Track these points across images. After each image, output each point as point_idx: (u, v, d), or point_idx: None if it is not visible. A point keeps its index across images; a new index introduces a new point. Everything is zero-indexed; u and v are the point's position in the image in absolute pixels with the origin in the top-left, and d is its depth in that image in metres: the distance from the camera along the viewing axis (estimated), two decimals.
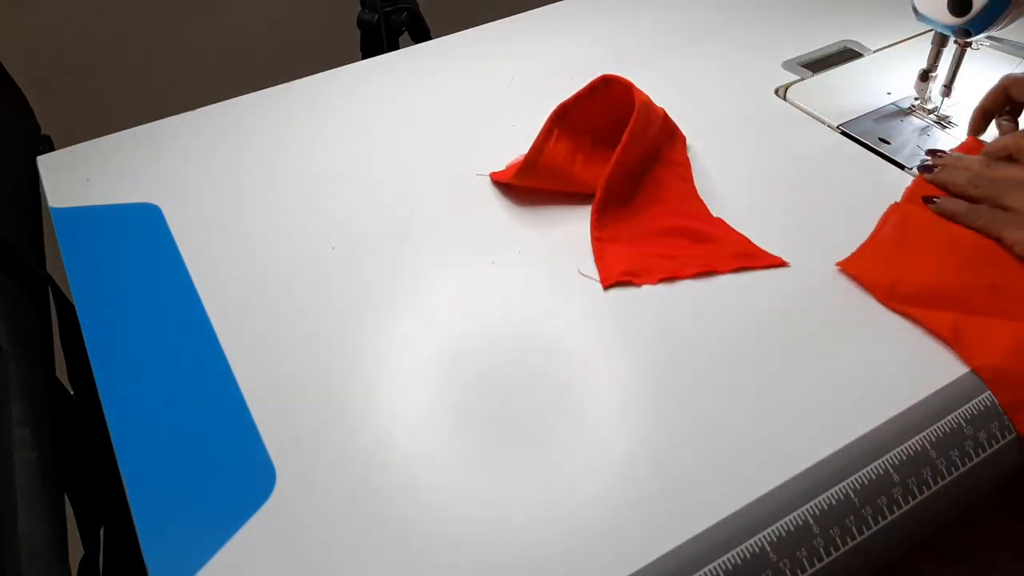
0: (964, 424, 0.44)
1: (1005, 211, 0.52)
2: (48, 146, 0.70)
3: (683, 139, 0.64)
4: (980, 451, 0.44)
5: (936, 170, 0.57)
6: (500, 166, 0.62)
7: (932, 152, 0.59)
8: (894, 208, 0.55)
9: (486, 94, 0.72)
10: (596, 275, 0.53)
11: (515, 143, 0.63)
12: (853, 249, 0.53)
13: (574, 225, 0.57)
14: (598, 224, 0.56)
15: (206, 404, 0.46)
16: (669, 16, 0.82)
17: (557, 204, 0.59)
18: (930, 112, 0.66)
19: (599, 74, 0.60)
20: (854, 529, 0.40)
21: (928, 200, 0.55)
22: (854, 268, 0.52)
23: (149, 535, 0.40)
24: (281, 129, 0.69)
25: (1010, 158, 0.54)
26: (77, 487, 0.56)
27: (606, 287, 0.52)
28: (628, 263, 0.53)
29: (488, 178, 0.62)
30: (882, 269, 0.51)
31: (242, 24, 1.81)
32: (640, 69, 0.72)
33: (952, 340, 0.47)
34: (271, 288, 0.53)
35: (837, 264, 0.52)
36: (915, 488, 0.42)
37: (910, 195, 0.57)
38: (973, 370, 0.46)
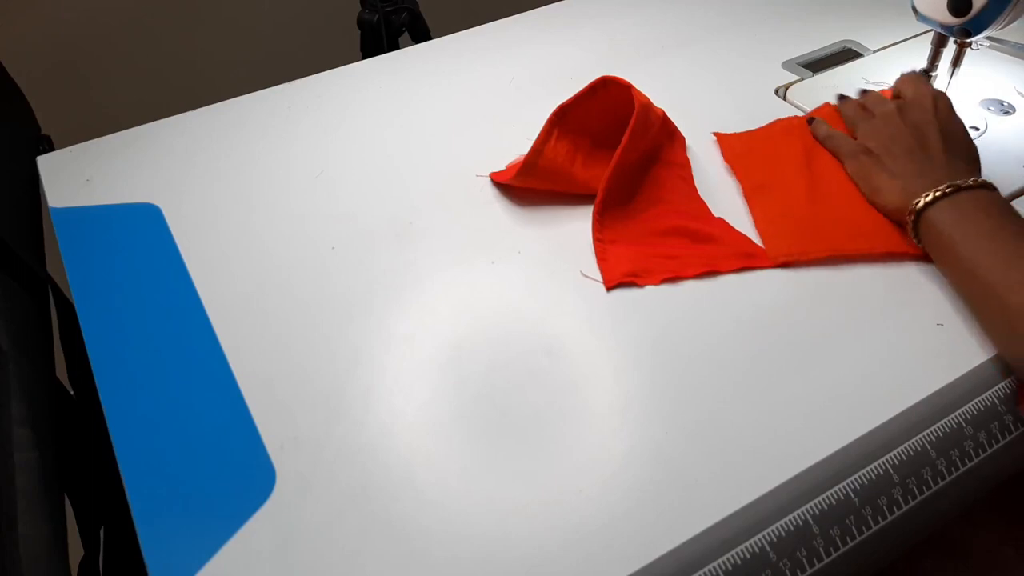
0: (964, 424, 0.44)
1: (853, 140, 0.60)
2: (48, 146, 0.70)
3: (682, 139, 0.64)
4: (980, 451, 0.44)
5: (846, 100, 0.65)
6: (500, 167, 0.62)
7: (864, 92, 0.66)
8: (789, 118, 0.65)
9: (486, 94, 0.72)
10: (599, 276, 0.53)
11: (515, 143, 0.63)
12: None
13: (574, 226, 0.57)
14: (599, 226, 0.56)
15: (206, 404, 0.46)
16: (669, 16, 0.82)
17: (557, 205, 0.59)
18: None
19: (599, 74, 0.60)
20: (854, 529, 0.40)
21: (809, 120, 0.63)
22: (724, 139, 0.63)
23: (149, 535, 0.40)
24: (281, 129, 0.69)
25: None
26: (77, 487, 0.56)
27: (609, 288, 0.52)
28: (630, 264, 0.53)
29: (488, 179, 0.62)
30: (743, 142, 0.62)
31: (242, 24, 1.81)
32: (640, 69, 0.73)
33: (748, 193, 0.58)
34: (271, 288, 0.53)
35: (714, 133, 0.64)
36: (915, 488, 0.42)
37: (811, 113, 0.65)
38: (749, 210, 0.56)
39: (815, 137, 0.62)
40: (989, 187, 0.51)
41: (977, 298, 0.48)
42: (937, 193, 0.50)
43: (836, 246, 0.53)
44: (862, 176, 0.57)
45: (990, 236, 0.48)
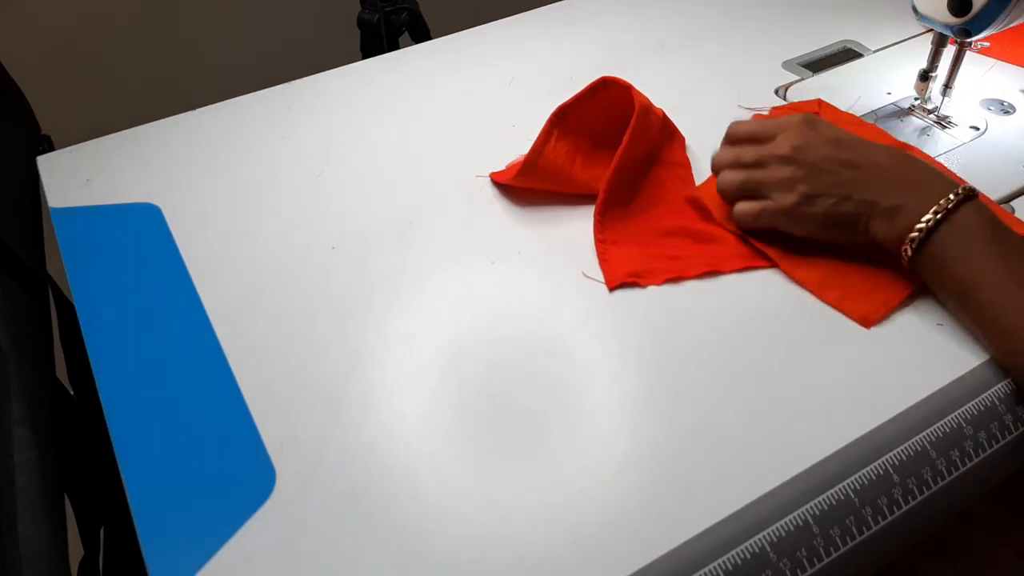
0: (964, 424, 0.44)
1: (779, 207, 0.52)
2: (48, 146, 0.70)
3: (682, 140, 0.64)
4: (980, 451, 0.44)
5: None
6: (500, 167, 0.62)
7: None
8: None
9: (486, 94, 0.72)
10: (601, 277, 0.53)
11: (515, 143, 0.63)
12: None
13: (574, 226, 0.57)
14: (601, 227, 0.55)
15: (206, 404, 0.46)
16: (669, 16, 0.82)
17: (557, 205, 0.59)
18: (930, 112, 0.66)
19: (599, 74, 0.60)
20: (854, 529, 0.40)
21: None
22: (702, 191, 0.58)
23: (149, 535, 0.40)
24: (281, 129, 0.69)
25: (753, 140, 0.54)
26: (77, 487, 0.56)
27: (611, 289, 0.52)
28: (633, 264, 0.53)
29: (488, 179, 0.62)
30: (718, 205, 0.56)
31: (242, 24, 1.80)
32: (640, 69, 0.73)
33: (778, 258, 0.53)
34: (271, 288, 0.53)
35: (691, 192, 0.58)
36: (915, 488, 0.42)
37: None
38: (796, 281, 0.51)
39: (725, 198, 0.55)
40: (970, 194, 0.47)
41: (988, 322, 0.46)
42: (929, 220, 0.47)
43: (899, 287, 0.50)
44: (825, 225, 0.51)
45: (994, 254, 0.46)
